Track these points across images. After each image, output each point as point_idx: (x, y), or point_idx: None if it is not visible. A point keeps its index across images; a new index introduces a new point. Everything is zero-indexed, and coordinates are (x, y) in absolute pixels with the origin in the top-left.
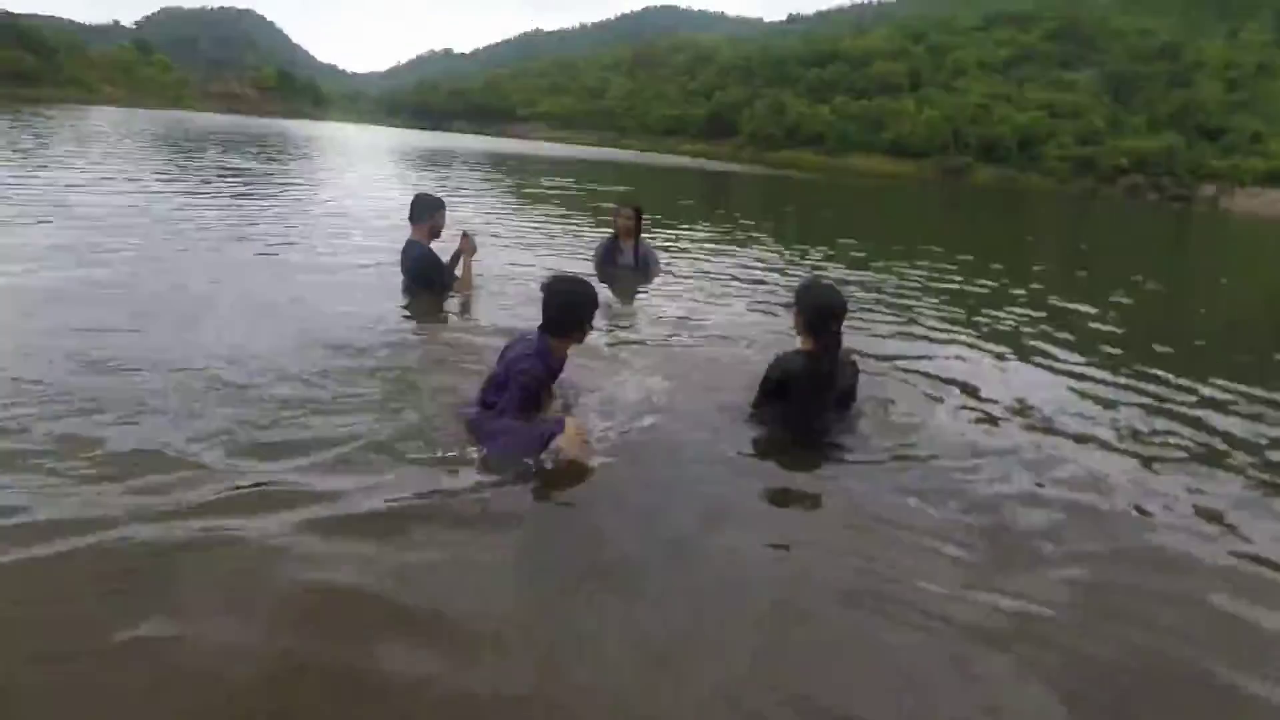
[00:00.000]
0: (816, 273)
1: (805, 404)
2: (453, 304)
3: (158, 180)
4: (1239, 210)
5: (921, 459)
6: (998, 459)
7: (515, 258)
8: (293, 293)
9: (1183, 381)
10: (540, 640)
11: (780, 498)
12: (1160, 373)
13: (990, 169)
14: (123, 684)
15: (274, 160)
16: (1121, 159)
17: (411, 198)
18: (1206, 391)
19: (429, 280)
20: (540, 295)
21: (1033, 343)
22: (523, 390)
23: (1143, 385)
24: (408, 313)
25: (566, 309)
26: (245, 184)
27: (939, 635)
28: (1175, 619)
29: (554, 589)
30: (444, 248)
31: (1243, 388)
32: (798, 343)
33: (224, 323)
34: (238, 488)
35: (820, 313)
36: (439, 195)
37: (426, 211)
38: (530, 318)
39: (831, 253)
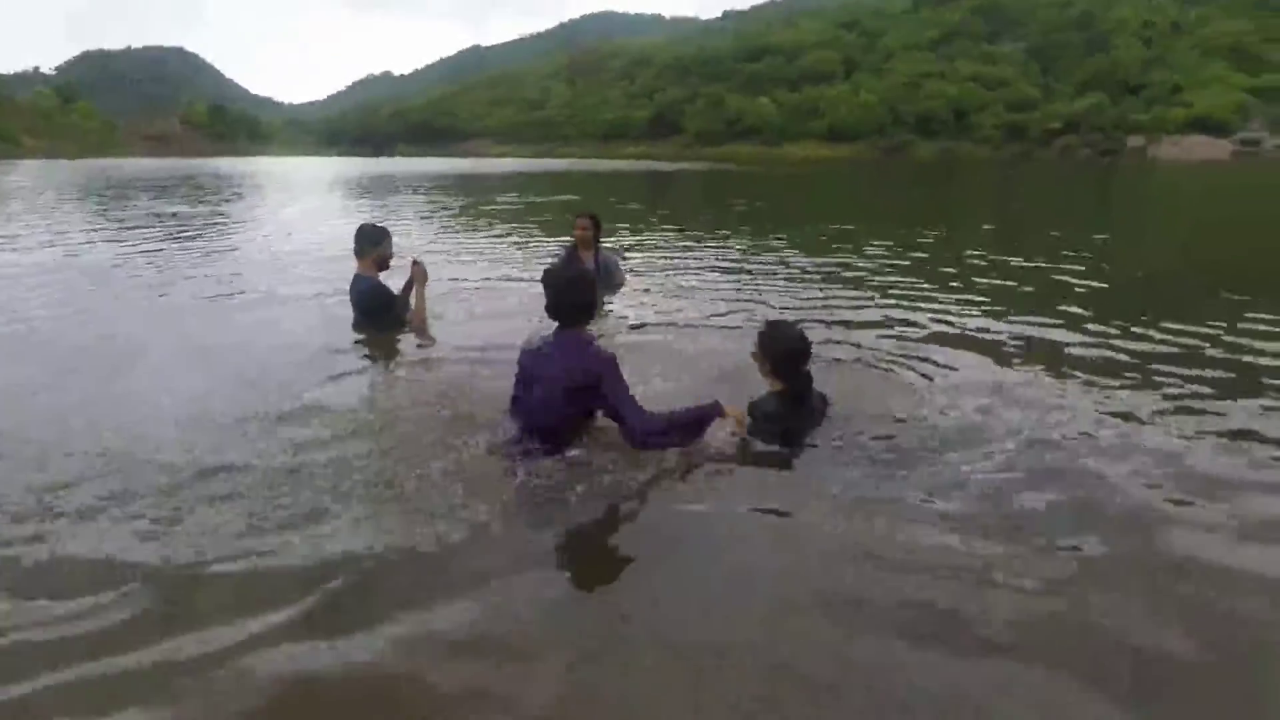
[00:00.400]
0: (776, 318)
1: (785, 433)
2: (406, 334)
3: (80, 232)
4: (1165, 158)
5: (915, 443)
6: (992, 434)
7: (458, 273)
8: (228, 337)
9: (1123, 323)
10: (540, 641)
11: (779, 495)
12: (1111, 319)
13: (929, 144)
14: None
15: (203, 202)
16: (1054, 122)
17: (355, 230)
18: (1151, 332)
19: (379, 314)
20: (479, 314)
21: (997, 305)
22: (623, 381)
23: (1102, 333)
24: (359, 350)
25: (573, 296)
26: (174, 229)
27: (944, 632)
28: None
29: (555, 592)
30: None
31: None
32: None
33: (154, 372)
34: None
35: (788, 357)
36: (383, 225)
37: (370, 243)
38: (475, 334)
39: (784, 237)
